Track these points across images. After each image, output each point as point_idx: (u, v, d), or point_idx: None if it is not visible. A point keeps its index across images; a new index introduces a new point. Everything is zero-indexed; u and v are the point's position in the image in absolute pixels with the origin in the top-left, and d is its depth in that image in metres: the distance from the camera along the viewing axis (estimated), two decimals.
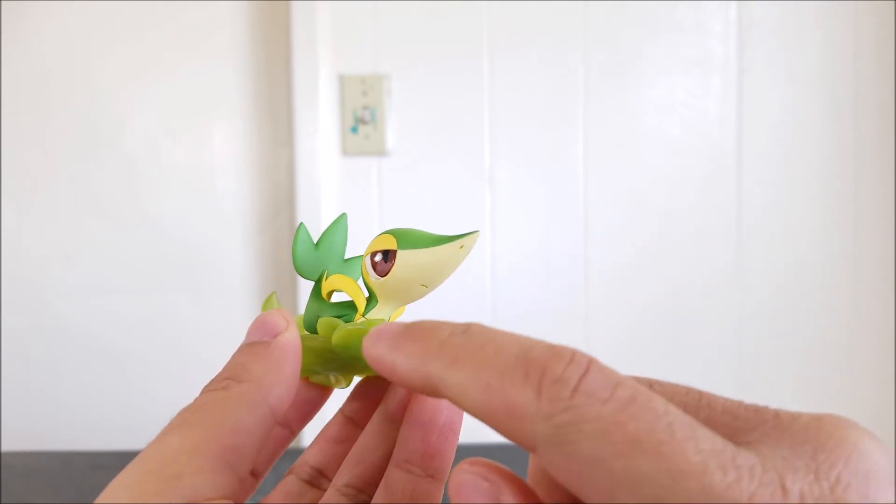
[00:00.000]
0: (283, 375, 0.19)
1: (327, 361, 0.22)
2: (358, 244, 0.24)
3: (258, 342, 0.19)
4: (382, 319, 0.21)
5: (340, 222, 0.24)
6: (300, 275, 0.24)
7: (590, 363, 0.14)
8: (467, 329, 0.15)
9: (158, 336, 1.15)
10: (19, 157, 1.13)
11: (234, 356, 0.19)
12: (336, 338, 0.21)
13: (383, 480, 0.21)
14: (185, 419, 0.17)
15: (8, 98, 1.12)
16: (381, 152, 1.10)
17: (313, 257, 0.24)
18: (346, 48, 1.10)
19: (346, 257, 0.24)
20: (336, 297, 0.24)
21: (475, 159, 1.11)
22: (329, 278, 0.23)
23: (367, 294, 0.23)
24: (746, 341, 1.13)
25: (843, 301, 1.12)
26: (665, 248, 1.12)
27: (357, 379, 0.24)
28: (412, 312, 0.23)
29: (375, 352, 0.17)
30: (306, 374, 0.23)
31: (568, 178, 1.11)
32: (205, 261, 1.15)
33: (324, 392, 0.24)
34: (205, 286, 1.15)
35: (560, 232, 1.12)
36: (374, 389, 0.24)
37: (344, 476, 0.22)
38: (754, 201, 1.11)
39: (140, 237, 1.14)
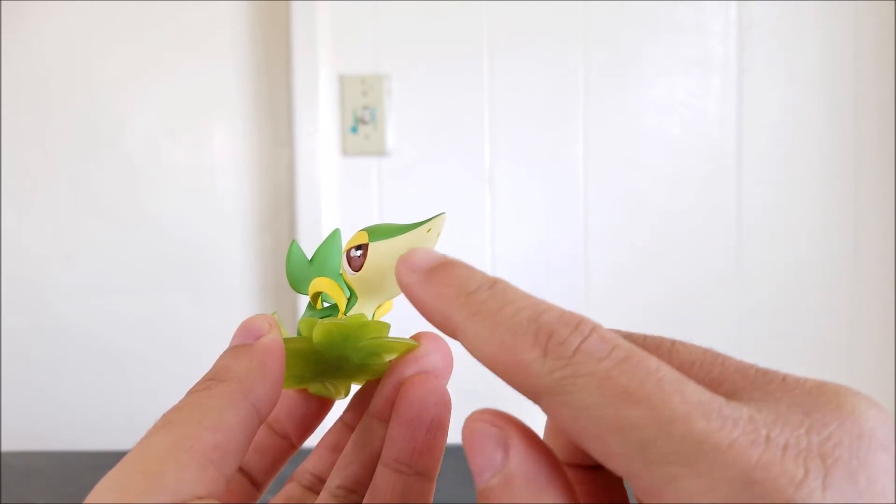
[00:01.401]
0: (265, 374, 0.19)
1: (315, 364, 0.22)
2: None
3: (241, 345, 0.20)
4: (363, 315, 0.21)
5: (334, 238, 0.25)
6: (295, 290, 0.24)
7: (593, 329, 0.15)
8: (493, 285, 0.17)
9: (158, 336, 1.15)
10: (19, 157, 1.13)
11: (217, 359, 0.19)
12: (315, 335, 0.21)
13: (373, 480, 0.21)
14: (168, 420, 0.17)
15: (8, 98, 1.12)
16: (381, 152, 1.10)
17: (307, 273, 0.24)
18: (346, 48, 1.10)
19: (341, 271, 0.24)
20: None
21: (475, 159, 1.11)
22: (312, 282, 0.23)
23: (348, 293, 0.23)
24: (746, 341, 1.13)
25: (843, 301, 1.12)
26: (665, 248, 1.12)
27: (356, 389, 0.24)
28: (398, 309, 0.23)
29: (406, 280, 0.18)
30: (300, 382, 0.23)
31: (568, 178, 1.11)
32: (205, 261, 1.15)
33: (325, 404, 0.24)
34: (205, 286, 1.15)
35: (560, 232, 1.12)
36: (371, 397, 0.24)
37: (336, 478, 0.22)
38: (754, 201, 1.11)
39: (140, 237, 1.14)
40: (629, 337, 0.17)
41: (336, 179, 1.11)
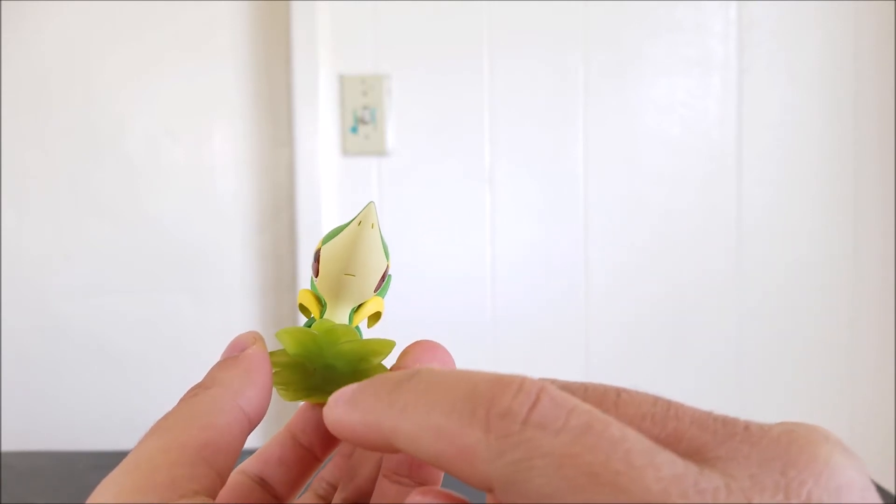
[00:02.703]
0: (251, 380, 0.19)
1: (308, 375, 0.22)
2: None
3: (228, 357, 0.20)
4: (329, 321, 0.22)
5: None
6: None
7: (540, 391, 0.13)
8: (416, 373, 0.15)
9: (158, 336, 1.15)
10: (19, 157, 1.13)
11: (207, 372, 0.20)
12: (286, 345, 0.21)
13: (374, 492, 0.21)
14: (158, 426, 0.18)
15: (8, 98, 1.12)
16: (381, 152, 1.10)
17: None
18: (346, 48, 1.10)
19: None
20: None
21: (475, 159, 1.11)
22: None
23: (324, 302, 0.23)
24: (746, 341, 1.13)
25: (843, 301, 1.12)
26: (665, 248, 1.12)
27: None
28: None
29: (332, 416, 0.16)
30: (308, 395, 0.23)
31: (568, 178, 1.11)
32: (205, 261, 1.15)
33: None
34: (205, 286, 1.15)
35: (560, 232, 1.12)
36: None
37: (342, 491, 0.22)
38: (754, 201, 1.11)
39: (140, 237, 1.14)
40: (568, 388, 0.15)
41: (336, 179, 1.11)
